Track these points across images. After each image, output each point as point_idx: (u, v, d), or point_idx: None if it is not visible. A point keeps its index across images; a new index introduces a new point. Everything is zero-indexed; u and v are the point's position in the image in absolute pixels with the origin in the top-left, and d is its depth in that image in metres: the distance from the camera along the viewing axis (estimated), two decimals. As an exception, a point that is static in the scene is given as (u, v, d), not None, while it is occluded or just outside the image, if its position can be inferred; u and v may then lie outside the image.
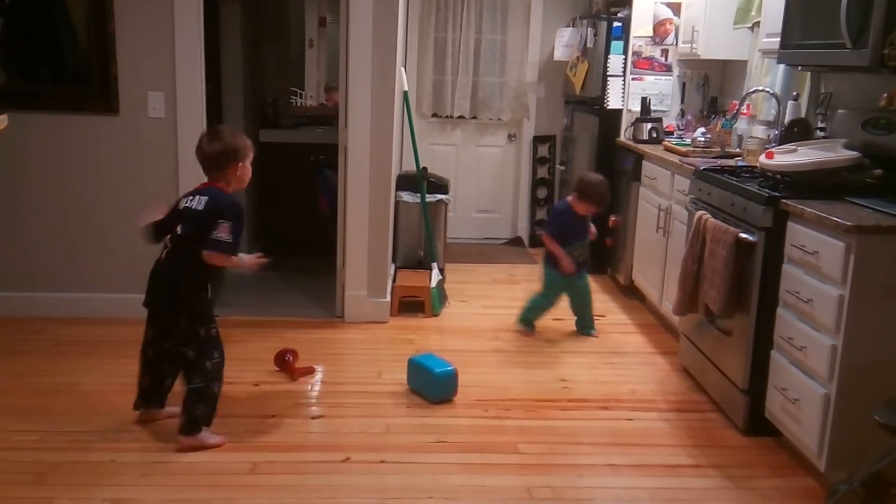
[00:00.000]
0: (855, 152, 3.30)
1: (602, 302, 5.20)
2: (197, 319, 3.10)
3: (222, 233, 3.01)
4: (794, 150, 3.47)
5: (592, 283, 5.59)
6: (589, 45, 5.75)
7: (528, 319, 4.52)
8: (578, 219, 4.38)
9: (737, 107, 4.63)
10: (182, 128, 4.27)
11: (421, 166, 5.13)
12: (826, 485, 2.85)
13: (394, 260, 5.09)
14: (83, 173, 4.34)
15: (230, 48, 5.26)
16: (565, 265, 4.31)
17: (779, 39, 3.78)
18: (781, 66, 4.33)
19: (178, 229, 3.09)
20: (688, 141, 4.92)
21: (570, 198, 4.41)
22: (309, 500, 2.76)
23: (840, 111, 3.76)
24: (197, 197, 3.09)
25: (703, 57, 5.06)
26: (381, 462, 3.03)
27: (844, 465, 2.76)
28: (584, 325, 4.54)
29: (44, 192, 4.33)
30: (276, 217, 5.88)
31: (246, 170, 3.18)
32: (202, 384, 3.07)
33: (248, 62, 5.46)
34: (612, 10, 5.82)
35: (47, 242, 4.38)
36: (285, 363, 3.81)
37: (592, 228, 4.48)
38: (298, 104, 6.57)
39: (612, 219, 5.49)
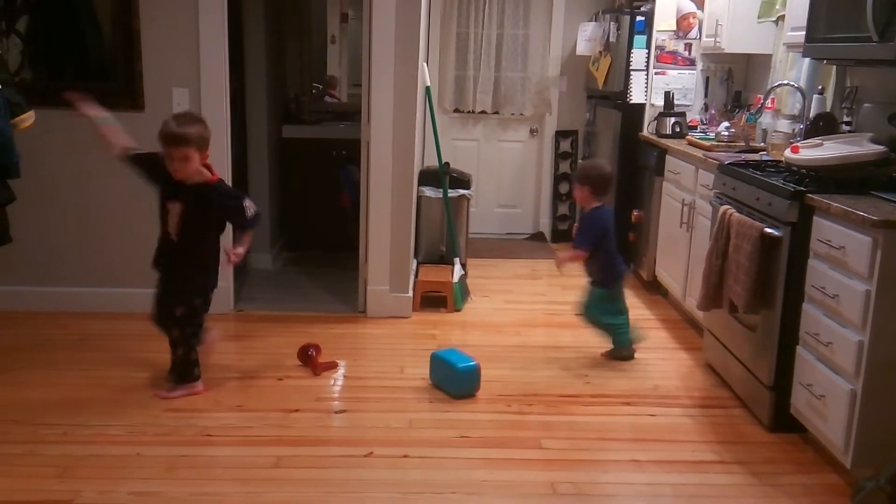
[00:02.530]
0: (881, 146, 3.27)
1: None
2: None
3: None
4: (820, 145, 3.43)
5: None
6: (612, 39, 5.72)
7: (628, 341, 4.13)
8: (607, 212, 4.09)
9: (761, 101, 4.58)
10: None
11: (443, 161, 5.13)
12: (852, 481, 2.83)
13: (416, 255, 5.10)
14: (108, 169, 4.36)
15: (253, 44, 5.28)
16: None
17: (804, 33, 3.74)
18: (806, 60, 4.28)
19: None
20: (711, 135, 4.88)
21: (597, 200, 4.01)
22: (332, 494, 2.78)
23: (866, 105, 3.72)
24: None
25: (727, 51, 5.02)
26: (404, 457, 3.04)
27: (871, 461, 2.73)
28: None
29: (69, 187, 4.39)
30: (298, 212, 5.91)
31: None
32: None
33: (270, 58, 5.48)
34: (635, 4, 5.78)
35: (73, 237, 4.44)
36: (308, 358, 3.83)
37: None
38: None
39: (635, 214, 5.47)
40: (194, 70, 4.26)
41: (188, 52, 4.24)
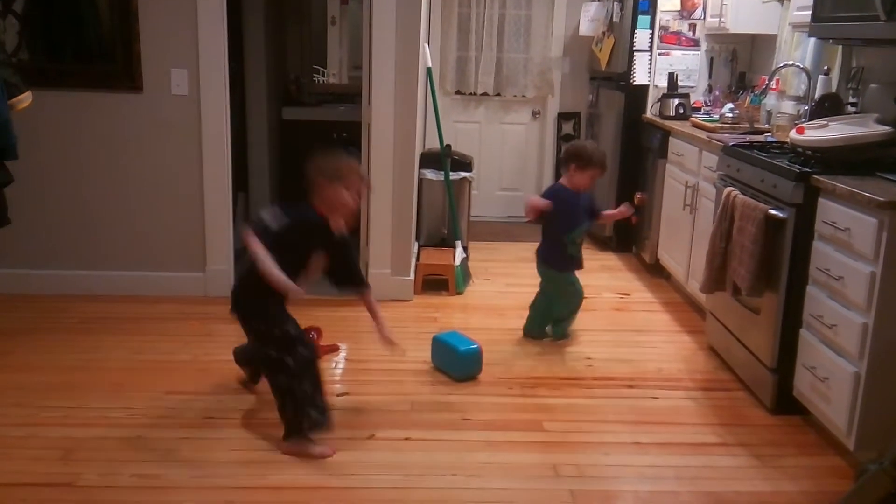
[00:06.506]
0: (887, 127, 3.24)
1: (627, 280, 5.16)
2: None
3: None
4: (825, 126, 3.40)
5: (618, 261, 5.58)
6: (615, 19, 5.67)
7: (562, 332, 4.11)
8: (577, 198, 3.97)
9: (766, 82, 4.54)
10: (205, 105, 4.27)
11: (444, 144, 5.10)
12: (855, 464, 2.81)
13: (417, 238, 5.08)
14: (107, 151, 4.35)
15: (253, 25, 5.24)
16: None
17: (810, 12, 3.71)
18: (812, 40, 4.24)
19: None
20: (715, 117, 4.85)
21: (563, 178, 4.00)
22: (334, 476, 2.77)
23: (872, 86, 3.69)
24: None
25: (731, 31, 4.97)
26: (406, 439, 3.04)
27: (874, 444, 2.72)
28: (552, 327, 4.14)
29: (67, 169, 4.35)
30: (299, 195, 5.87)
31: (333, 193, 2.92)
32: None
33: (270, 39, 5.44)
34: (639, -17, 5.72)
35: (71, 220, 4.41)
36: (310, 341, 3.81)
37: (605, 212, 4.12)
38: (321, 82, 6.55)
39: (638, 196, 5.44)
40: (193, 51, 4.21)
41: (187, 33, 4.19)
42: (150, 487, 2.68)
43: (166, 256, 4.48)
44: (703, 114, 5.11)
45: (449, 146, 5.18)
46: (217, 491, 2.67)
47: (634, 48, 5.48)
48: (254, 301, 2.93)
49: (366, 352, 3.90)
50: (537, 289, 4.48)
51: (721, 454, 3.02)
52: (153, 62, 4.24)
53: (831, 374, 2.92)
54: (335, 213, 2.95)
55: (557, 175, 6.74)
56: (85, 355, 3.71)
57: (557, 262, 4.06)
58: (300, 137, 5.76)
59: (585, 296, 4.15)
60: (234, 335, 4.04)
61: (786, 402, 3.26)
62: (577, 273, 4.10)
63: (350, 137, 5.40)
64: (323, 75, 6.58)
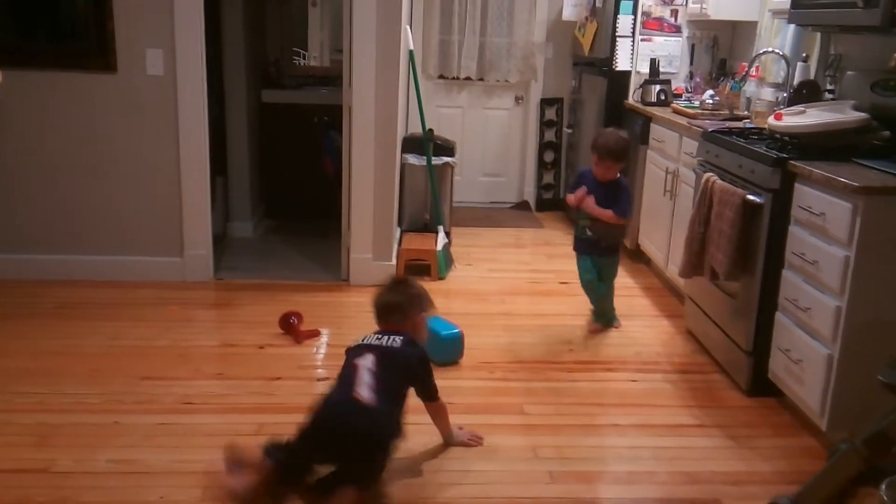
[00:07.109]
0: (863, 114, 3.27)
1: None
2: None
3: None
4: (803, 112, 3.42)
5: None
6: (598, 4, 5.66)
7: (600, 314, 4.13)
8: (591, 182, 3.93)
9: (746, 69, 4.55)
10: (182, 86, 4.22)
11: (427, 128, 5.09)
12: (827, 444, 2.85)
13: (399, 223, 5.07)
14: (80, 132, 4.29)
15: (231, 5, 5.18)
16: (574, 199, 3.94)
17: (790, -1, 3.72)
18: (791, 27, 4.27)
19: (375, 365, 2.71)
20: (696, 103, 4.86)
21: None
22: (312, 460, 2.77)
23: (849, 73, 3.71)
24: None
25: (713, 18, 4.98)
26: (386, 423, 3.04)
27: (846, 424, 2.75)
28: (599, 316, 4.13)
29: (40, 151, 4.29)
30: (279, 179, 5.86)
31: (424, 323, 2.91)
32: None
33: (249, 20, 5.38)
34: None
35: (45, 204, 4.35)
36: (290, 326, 3.81)
37: (607, 212, 3.90)
38: (301, 64, 6.51)
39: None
40: (169, 30, 4.15)
41: (163, 12, 4.13)
42: (126, 473, 2.67)
43: (144, 241, 4.44)
44: (684, 100, 5.12)
45: (431, 130, 5.17)
46: (195, 476, 2.65)
47: (617, 34, 5.47)
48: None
49: (347, 337, 3.84)
50: (519, 274, 4.49)
51: (697, 435, 3.05)
52: (128, 42, 4.17)
53: (805, 357, 2.95)
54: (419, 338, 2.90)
55: (541, 161, 6.76)
56: (61, 341, 3.68)
57: (574, 241, 4.12)
58: (280, 120, 5.73)
59: (567, 282, 4.15)
60: (214, 320, 4.05)
61: (761, 385, 3.30)
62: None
63: (331, 121, 5.39)
64: (303, 58, 6.54)
